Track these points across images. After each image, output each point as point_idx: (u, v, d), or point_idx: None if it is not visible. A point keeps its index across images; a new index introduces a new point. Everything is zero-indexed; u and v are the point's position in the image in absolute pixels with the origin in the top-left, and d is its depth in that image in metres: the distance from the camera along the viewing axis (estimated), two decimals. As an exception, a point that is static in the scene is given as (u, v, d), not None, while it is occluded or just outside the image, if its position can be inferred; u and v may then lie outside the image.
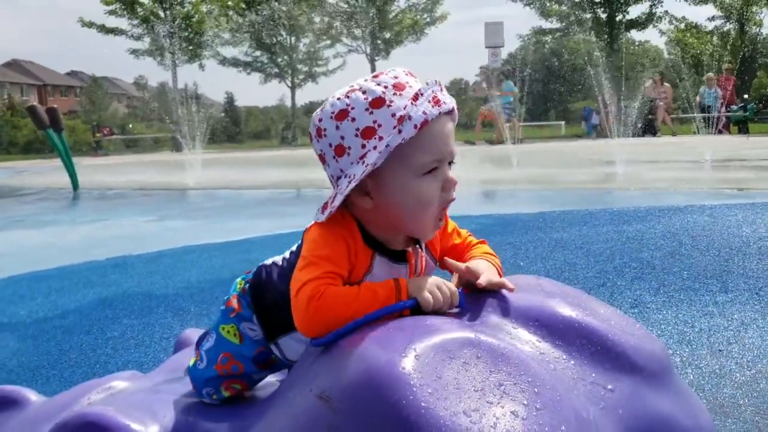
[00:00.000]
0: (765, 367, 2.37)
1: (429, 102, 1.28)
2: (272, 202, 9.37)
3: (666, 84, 21.59)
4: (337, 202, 1.31)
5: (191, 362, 1.56)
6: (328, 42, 38.32)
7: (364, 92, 1.31)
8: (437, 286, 1.28)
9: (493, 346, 1.14)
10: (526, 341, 1.23)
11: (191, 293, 3.85)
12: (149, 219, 7.92)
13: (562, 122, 34.76)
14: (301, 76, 39.20)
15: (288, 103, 42.13)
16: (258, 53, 38.61)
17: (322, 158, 1.37)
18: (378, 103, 1.29)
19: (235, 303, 1.51)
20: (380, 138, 1.28)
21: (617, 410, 1.17)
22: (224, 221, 7.49)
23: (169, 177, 13.66)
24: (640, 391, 1.22)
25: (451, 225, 1.51)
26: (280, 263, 1.48)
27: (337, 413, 1.09)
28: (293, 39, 38.35)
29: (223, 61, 38.39)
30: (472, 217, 5.78)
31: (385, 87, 1.31)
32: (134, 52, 37.19)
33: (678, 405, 1.27)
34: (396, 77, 1.33)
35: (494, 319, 1.27)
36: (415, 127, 1.26)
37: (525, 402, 1.06)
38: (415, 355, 1.09)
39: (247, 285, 1.51)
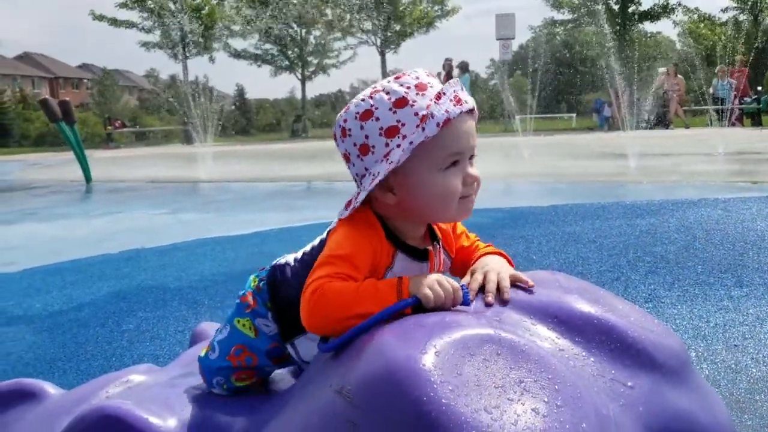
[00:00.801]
0: (781, 363, 2.36)
1: (451, 101, 1.31)
2: (283, 194, 9.38)
3: (679, 76, 21.42)
4: (361, 198, 1.34)
5: (202, 352, 1.57)
6: (339, 34, 38.31)
7: (387, 93, 1.34)
8: (439, 282, 1.27)
9: (513, 343, 1.13)
10: (545, 338, 1.22)
11: (205, 286, 3.87)
12: (162, 212, 7.96)
13: (573, 114, 34.64)
14: (311, 69, 39.23)
15: (298, 95, 42.24)
16: (268, 46, 38.66)
17: (346, 157, 1.40)
18: (401, 102, 1.33)
19: (250, 299, 1.52)
20: (404, 136, 1.31)
21: (637, 407, 1.16)
22: (236, 214, 7.52)
23: (180, 170, 13.70)
24: (659, 388, 1.21)
25: (460, 228, 1.55)
26: (293, 263, 1.49)
27: (357, 409, 1.08)
28: (304, 31, 38.36)
29: (234, 54, 38.46)
30: (484, 210, 5.77)
31: (408, 87, 1.34)
32: (145, 44, 37.33)
33: (697, 401, 1.27)
34: (418, 77, 1.36)
35: (513, 316, 1.26)
36: (438, 125, 1.29)
37: (545, 399, 1.06)
38: (435, 352, 1.09)
39: (262, 283, 1.52)
